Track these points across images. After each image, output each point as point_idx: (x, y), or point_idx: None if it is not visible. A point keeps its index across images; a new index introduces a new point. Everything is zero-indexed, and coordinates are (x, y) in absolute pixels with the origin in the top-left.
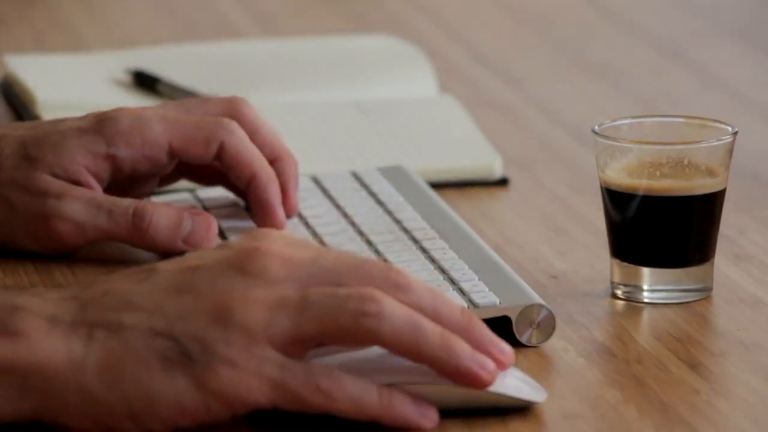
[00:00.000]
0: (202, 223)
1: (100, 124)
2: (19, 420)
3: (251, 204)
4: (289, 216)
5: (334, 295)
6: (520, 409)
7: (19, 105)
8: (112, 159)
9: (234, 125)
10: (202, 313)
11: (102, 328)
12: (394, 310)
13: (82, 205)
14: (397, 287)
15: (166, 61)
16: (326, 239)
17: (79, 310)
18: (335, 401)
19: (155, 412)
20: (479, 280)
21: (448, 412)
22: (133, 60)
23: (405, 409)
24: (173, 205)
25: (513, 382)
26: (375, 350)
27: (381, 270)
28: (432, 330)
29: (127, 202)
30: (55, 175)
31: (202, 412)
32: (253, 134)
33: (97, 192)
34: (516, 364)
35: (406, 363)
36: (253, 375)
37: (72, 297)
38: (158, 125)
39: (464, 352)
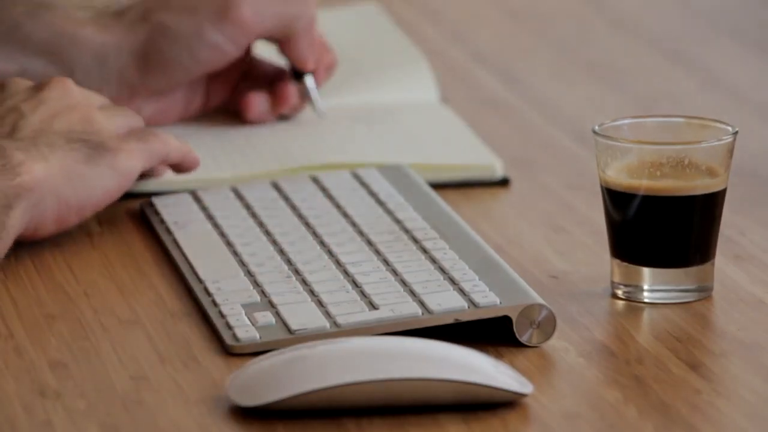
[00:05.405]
0: None
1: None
2: (15, 235)
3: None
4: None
5: None
6: (511, 402)
7: None
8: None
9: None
10: (79, 124)
11: (44, 146)
12: None
13: None
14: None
15: None
16: (326, 239)
17: (12, 141)
18: (169, 144)
19: (92, 200)
20: (480, 280)
21: (447, 411)
22: None
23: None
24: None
25: (503, 378)
26: (373, 345)
27: None
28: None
29: None
30: None
31: (116, 191)
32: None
33: None
34: (516, 364)
35: (402, 358)
36: (130, 152)
37: None
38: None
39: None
